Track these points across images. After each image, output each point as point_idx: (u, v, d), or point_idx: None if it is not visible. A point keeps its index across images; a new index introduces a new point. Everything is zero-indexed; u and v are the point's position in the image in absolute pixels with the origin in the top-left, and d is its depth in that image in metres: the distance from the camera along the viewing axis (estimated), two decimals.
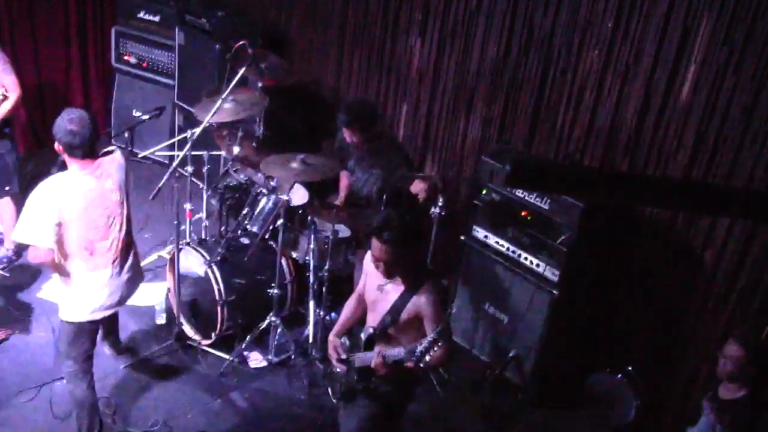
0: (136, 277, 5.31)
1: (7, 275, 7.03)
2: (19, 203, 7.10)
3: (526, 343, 6.00)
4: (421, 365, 4.02)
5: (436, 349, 3.96)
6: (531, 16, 6.16)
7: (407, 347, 4.12)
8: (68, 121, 4.66)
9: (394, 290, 4.35)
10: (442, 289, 4.46)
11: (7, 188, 6.87)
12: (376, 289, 4.44)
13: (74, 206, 4.68)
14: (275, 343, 6.19)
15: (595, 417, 5.88)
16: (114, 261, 4.99)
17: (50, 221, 4.60)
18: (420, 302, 4.26)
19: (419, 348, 3.99)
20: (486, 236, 6.17)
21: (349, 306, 4.80)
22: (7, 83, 6.46)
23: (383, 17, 7.44)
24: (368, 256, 4.51)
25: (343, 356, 4.56)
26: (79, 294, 4.92)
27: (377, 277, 4.42)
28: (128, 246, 5.14)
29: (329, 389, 4.89)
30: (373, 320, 4.48)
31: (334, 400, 4.87)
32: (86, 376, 5.19)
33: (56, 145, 4.77)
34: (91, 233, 4.80)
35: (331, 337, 4.69)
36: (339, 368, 4.61)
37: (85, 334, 5.08)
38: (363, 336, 4.50)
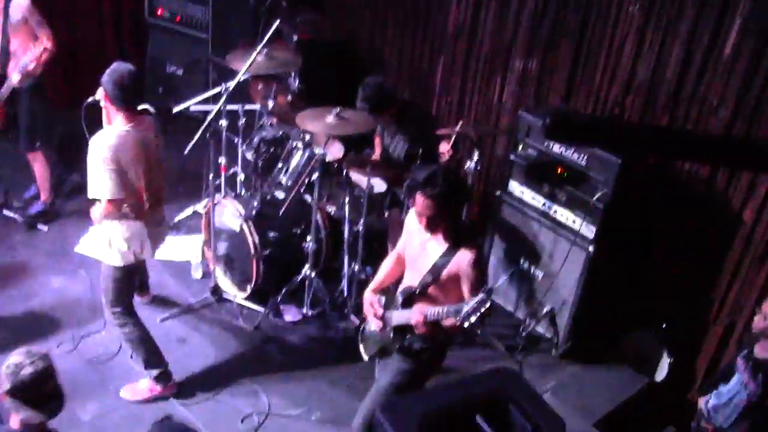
0: (166, 227, 5.57)
1: (45, 229, 7.10)
2: (50, 158, 7.19)
3: (560, 300, 5.99)
4: (466, 325, 4.01)
5: (483, 309, 3.96)
6: None
7: (453, 306, 4.10)
8: (118, 75, 4.80)
9: (436, 249, 4.35)
10: (481, 249, 4.44)
11: (37, 144, 6.92)
12: (418, 246, 4.44)
13: (127, 155, 4.84)
14: (310, 297, 6.23)
15: (629, 374, 5.88)
16: (159, 209, 5.26)
17: (114, 172, 4.78)
18: (461, 261, 4.26)
19: (466, 308, 3.97)
20: (522, 192, 6.14)
21: (387, 264, 4.79)
22: (41, 36, 6.48)
23: None
24: (410, 213, 4.52)
25: (380, 313, 4.57)
26: (129, 239, 5.09)
27: (419, 235, 4.42)
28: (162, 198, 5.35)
29: (361, 347, 4.90)
30: (412, 278, 4.47)
31: (365, 358, 4.88)
32: (133, 314, 5.41)
33: (101, 97, 4.93)
34: (142, 182, 4.97)
35: (368, 293, 4.69)
36: (374, 325, 4.62)
37: (132, 276, 5.35)
38: (401, 294, 4.51)
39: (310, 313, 6.24)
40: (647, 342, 5.80)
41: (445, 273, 4.30)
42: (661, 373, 5.71)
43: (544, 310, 6.09)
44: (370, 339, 4.75)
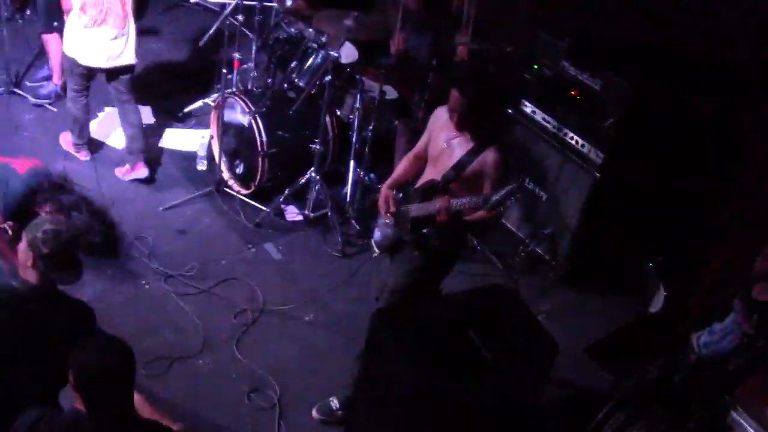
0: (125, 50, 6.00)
1: (55, 110, 7.07)
2: None
3: (562, 222, 6.00)
4: (494, 212, 4.06)
5: (511, 200, 4.00)
6: None
7: (480, 196, 4.11)
8: None
9: (462, 146, 4.35)
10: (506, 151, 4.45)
11: (55, 23, 6.84)
12: (443, 143, 4.44)
13: None
14: (313, 198, 6.22)
15: (624, 303, 5.93)
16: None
17: None
18: (486, 160, 4.28)
19: (495, 197, 3.99)
20: (533, 111, 6.10)
21: (404, 162, 4.79)
22: None
23: None
24: (437, 112, 4.54)
25: (393, 208, 4.59)
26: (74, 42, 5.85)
27: (446, 132, 4.43)
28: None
29: (372, 241, 4.91)
30: (434, 174, 4.49)
31: (376, 251, 4.89)
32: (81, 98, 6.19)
33: None
34: None
35: (384, 188, 4.71)
36: (387, 219, 4.64)
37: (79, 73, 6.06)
38: (420, 188, 4.53)
39: (312, 215, 6.24)
40: (645, 273, 5.83)
41: (469, 169, 4.32)
42: (656, 305, 5.75)
43: (545, 232, 6.10)
44: (383, 232, 4.77)
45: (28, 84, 7.30)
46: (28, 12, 7.63)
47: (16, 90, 7.21)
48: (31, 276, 3.61)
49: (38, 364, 3.55)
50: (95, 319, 3.75)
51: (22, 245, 3.59)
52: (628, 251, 5.92)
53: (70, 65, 6.07)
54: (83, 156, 6.51)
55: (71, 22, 5.83)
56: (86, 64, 5.94)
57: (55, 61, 7.04)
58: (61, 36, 6.88)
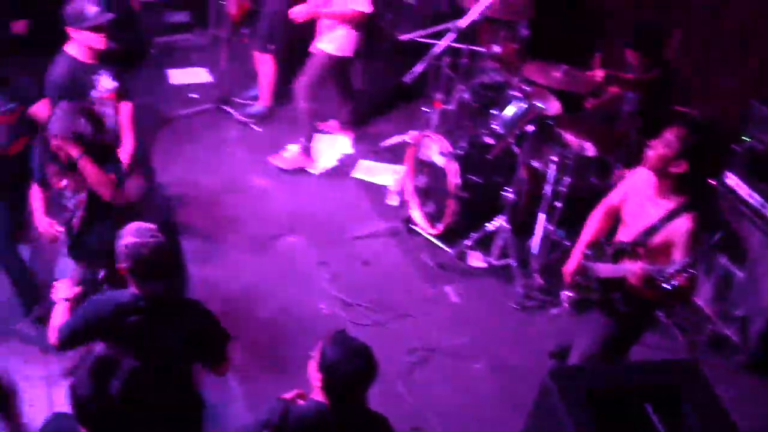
0: None
1: (260, 130, 7.35)
2: (278, 65, 7.37)
3: (758, 305, 5.68)
4: (668, 286, 3.90)
5: (687, 274, 3.86)
6: None
7: (657, 266, 4.01)
8: None
9: (656, 209, 4.26)
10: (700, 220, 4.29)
11: (272, 46, 7.10)
12: (637, 204, 4.35)
13: None
14: (499, 246, 6.18)
15: None
16: None
17: None
18: (679, 228, 4.15)
19: (670, 268, 3.87)
20: (737, 185, 5.83)
21: (596, 217, 4.70)
22: None
23: None
24: (637, 171, 4.48)
25: (585, 264, 4.51)
26: None
27: (642, 191, 4.35)
28: None
29: (563, 296, 4.82)
30: (625, 235, 4.40)
31: (565, 306, 4.80)
32: None
33: None
34: None
35: (578, 245, 4.64)
36: (578, 277, 4.56)
37: None
38: (611, 248, 4.43)
39: (495, 263, 6.19)
40: None
41: (659, 235, 4.21)
42: None
43: (737, 313, 5.81)
44: (573, 289, 4.68)
45: (237, 101, 7.62)
46: (244, 31, 7.96)
47: (225, 107, 7.54)
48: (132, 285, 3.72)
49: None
50: (213, 318, 3.87)
51: None
52: None
53: None
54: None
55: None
56: None
57: (264, 82, 7.31)
58: (276, 59, 7.18)
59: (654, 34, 6.04)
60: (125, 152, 5.16)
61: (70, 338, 3.74)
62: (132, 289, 3.69)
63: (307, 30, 6.71)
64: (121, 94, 5.24)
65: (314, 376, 3.38)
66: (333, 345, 3.39)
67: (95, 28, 4.92)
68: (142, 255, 3.58)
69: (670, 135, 4.19)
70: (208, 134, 7.31)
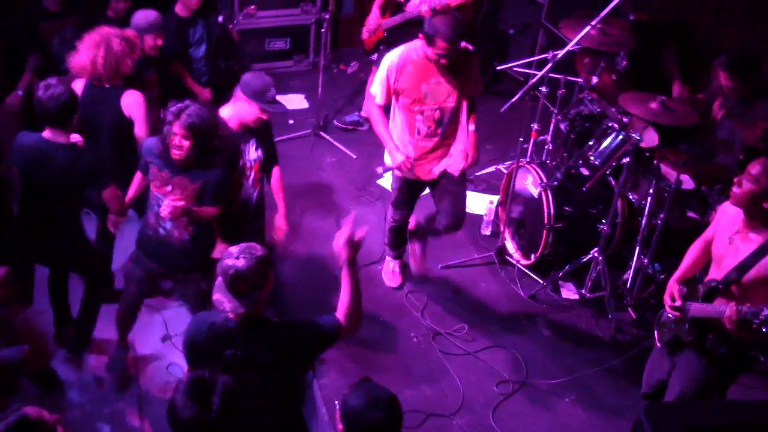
0: None
1: (354, 156, 7.47)
2: None
3: None
4: (765, 329, 3.83)
5: None
6: None
7: (751, 308, 3.92)
8: None
9: (747, 244, 4.15)
10: None
11: None
12: (727, 240, 4.25)
13: None
14: (592, 279, 6.12)
15: None
16: None
17: None
18: None
19: (766, 311, 3.77)
20: None
21: (692, 253, 4.61)
22: None
23: None
24: (725, 206, 4.38)
25: (678, 303, 4.43)
26: None
27: (731, 226, 4.25)
28: None
29: (656, 333, 4.75)
30: (716, 273, 4.30)
31: (658, 344, 4.73)
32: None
33: None
34: None
35: (672, 281, 4.56)
36: (672, 314, 4.49)
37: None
38: (703, 286, 4.34)
39: (588, 295, 6.14)
40: None
41: (752, 272, 4.09)
42: None
43: None
44: (666, 326, 4.61)
45: (337, 125, 7.82)
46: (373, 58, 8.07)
47: (322, 133, 7.69)
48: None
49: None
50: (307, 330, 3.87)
51: None
52: None
53: None
54: None
55: None
56: None
57: None
58: None
59: (752, 59, 5.92)
60: (280, 217, 5.54)
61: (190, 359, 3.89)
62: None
63: None
64: (265, 162, 5.45)
65: (337, 425, 3.27)
66: (355, 393, 3.25)
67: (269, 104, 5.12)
68: (228, 274, 3.64)
69: (756, 169, 4.06)
70: (304, 160, 7.44)
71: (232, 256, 3.64)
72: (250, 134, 5.25)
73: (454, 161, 5.66)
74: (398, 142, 5.56)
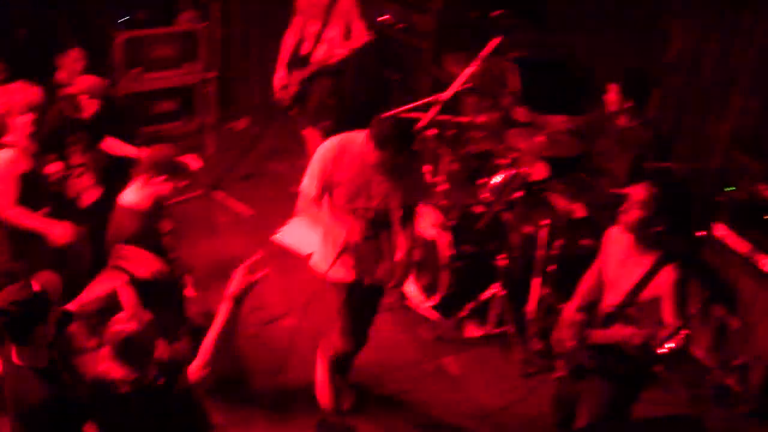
0: None
1: (251, 213, 7.45)
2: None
3: (755, 353, 5.70)
4: (664, 350, 3.91)
5: (677, 337, 3.85)
6: None
7: (650, 331, 4.01)
8: None
9: (638, 267, 4.27)
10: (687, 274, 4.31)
11: (318, 123, 7.55)
12: (618, 265, 4.37)
13: None
14: (495, 314, 6.20)
15: None
16: None
17: None
18: (664, 281, 4.16)
19: (664, 332, 3.88)
20: (725, 235, 5.89)
21: (586, 281, 4.72)
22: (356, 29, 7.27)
23: None
24: (611, 232, 4.49)
25: (578, 331, 4.50)
26: None
27: (620, 252, 4.36)
28: None
29: (560, 362, 4.83)
30: (612, 298, 4.40)
31: (563, 373, 4.81)
32: None
33: None
34: None
35: (569, 310, 4.65)
36: (571, 343, 4.56)
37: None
38: (600, 313, 4.44)
39: (493, 331, 6.22)
40: None
41: (645, 294, 4.22)
42: None
43: (737, 362, 5.83)
44: (568, 354, 4.69)
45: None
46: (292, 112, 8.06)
47: (214, 193, 7.63)
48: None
49: None
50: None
51: None
52: None
53: None
54: None
55: None
56: None
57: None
58: (321, 135, 7.38)
59: (641, 78, 6.12)
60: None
61: None
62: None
63: None
64: None
65: None
66: None
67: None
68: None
69: (642, 195, 4.18)
70: (198, 221, 7.39)
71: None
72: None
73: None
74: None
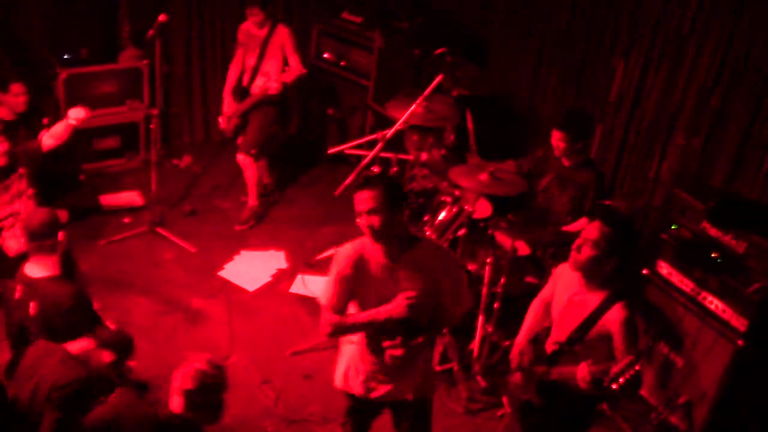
0: None
1: (194, 251, 7.33)
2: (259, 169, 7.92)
3: (699, 391, 5.70)
4: (615, 386, 3.84)
5: (632, 371, 3.79)
6: (750, 44, 5.88)
7: (601, 367, 3.96)
8: None
9: (586, 305, 4.25)
10: (636, 311, 4.31)
11: (253, 151, 7.71)
12: (566, 302, 4.35)
13: None
14: (439, 352, 6.14)
15: None
16: None
17: None
18: (612, 319, 4.15)
19: (615, 368, 3.83)
20: (670, 273, 5.90)
21: (532, 312, 4.71)
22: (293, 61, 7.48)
23: (586, 34, 7.30)
24: (560, 269, 4.51)
25: (526, 365, 4.48)
26: None
27: (568, 289, 4.35)
28: None
29: (506, 399, 4.78)
30: (559, 334, 4.37)
31: (509, 411, 4.76)
32: None
33: None
34: None
35: (520, 340, 4.63)
36: (516, 377, 4.53)
37: None
38: (547, 348, 4.41)
39: (437, 368, 6.14)
40: None
41: (594, 331, 4.20)
42: None
43: (681, 400, 5.82)
44: (514, 391, 4.63)
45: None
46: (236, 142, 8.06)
47: (159, 230, 7.51)
48: (176, 404, 3.90)
49: None
50: None
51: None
52: None
53: None
54: None
55: None
56: None
57: (250, 184, 7.80)
58: (254, 163, 7.72)
59: (585, 119, 6.16)
60: None
61: None
62: None
63: None
64: None
65: None
66: None
67: None
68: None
69: (594, 235, 4.19)
70: (142, 258, 7.25)
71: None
72: None
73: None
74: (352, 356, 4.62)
